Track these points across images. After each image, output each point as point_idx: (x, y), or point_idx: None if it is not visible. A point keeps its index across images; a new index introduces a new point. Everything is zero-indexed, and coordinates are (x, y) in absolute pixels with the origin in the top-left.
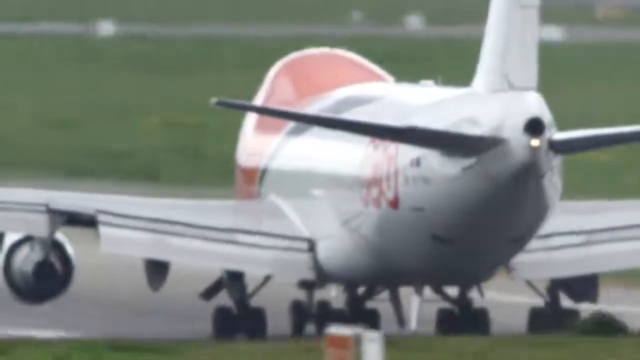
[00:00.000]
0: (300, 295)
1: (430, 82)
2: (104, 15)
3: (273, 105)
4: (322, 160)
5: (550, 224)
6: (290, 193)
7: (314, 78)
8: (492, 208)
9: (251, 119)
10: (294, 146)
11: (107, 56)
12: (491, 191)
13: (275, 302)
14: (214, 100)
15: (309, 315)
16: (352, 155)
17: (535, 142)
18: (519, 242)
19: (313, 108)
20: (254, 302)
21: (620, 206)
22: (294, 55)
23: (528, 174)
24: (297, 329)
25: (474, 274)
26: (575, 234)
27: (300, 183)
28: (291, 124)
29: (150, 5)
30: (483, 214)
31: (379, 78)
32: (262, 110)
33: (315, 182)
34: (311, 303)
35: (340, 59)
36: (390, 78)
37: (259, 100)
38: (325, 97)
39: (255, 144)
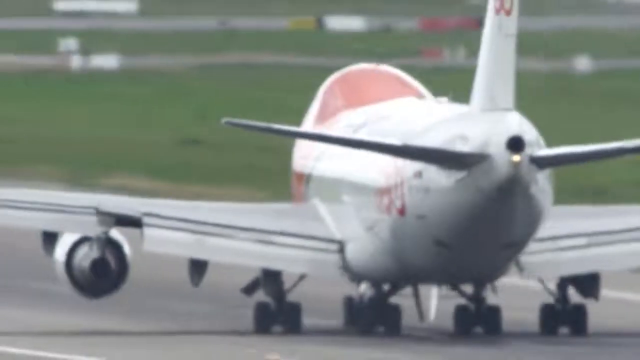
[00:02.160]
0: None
1: (444, 99)
2: (580, 51)
3: (324, 115)
4: (351, 169)
5: (558, 227)
6: (327, 197)
7: (359, 91)
8: (483, 216)
9: (307, 123)
10: (332, 153)
11: (583, 92)
12: (481, 201)
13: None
14: (224, 120)
15: (360, 310)
16: (372, 166)
17: (516, 158)
18: (514, 248)
19: (346, 120)
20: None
21: (621, 211)
22: (346, 70)
23: (512, 186)
24: (349, 322)
25: (477, 275)
26: (580, 236)
27: (334, 189)
28: (336, 131)
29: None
30: (476, 222)
31: (417, 93)
32: (268, 130)
33: (345, 189)
34: (362, 298)
35: (385, 74)
36: (427, 93)
37: (314, 108)
38: (359, 111)
39: (306, 148)
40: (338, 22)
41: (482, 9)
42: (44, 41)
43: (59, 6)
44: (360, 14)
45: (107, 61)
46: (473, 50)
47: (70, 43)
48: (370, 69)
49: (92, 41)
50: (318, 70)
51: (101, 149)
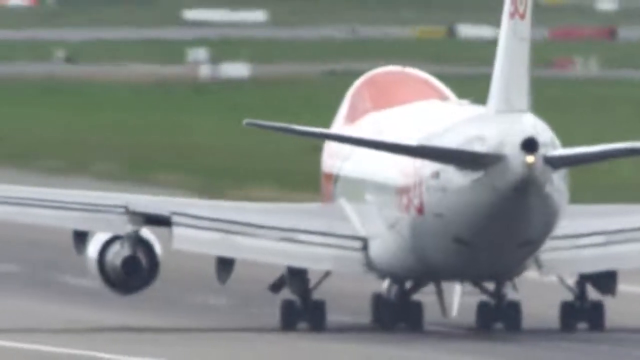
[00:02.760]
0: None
1: (466, 101)
2: None
3: (353, 116)
4: (374, 169)
5: (577, 226)
6: (352, 197)
7: (386, 93)
8: (499, 215)
9: (336, 124)
10: (358, 153)
11: None
12: (497, 200)
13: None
14: (245, 121)
15: (388, 306)
16: (392, 166)
17: (530, 159)
18: (530, 246)
19: (372, 121)
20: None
21: (634, 209)
22: (374, 72)
23: (527, 186)
24: (379, 319)
25: (495, 272)
26: (598, 234)
27: (359, 188)
28: (362, 132)
29: None
30: (492, 220)
31: (441, 95)
32: (288, 130)
33: (369, 188)
34: (390, 295)
35: (411, 76)
36: (452, 95)
37: (343, 109)
38: (385, 112)
39: (334, 148)
40: (469, 31)
41: (613, 16)
42: (174, 51)
43: (188, 16)
44: (490, 23)
45: (237, 70)
46: (606, 61)
47: (199, 52)
48: (398, 71)
49: (221, 50)
50: (446, 78)
51: (230, 158)
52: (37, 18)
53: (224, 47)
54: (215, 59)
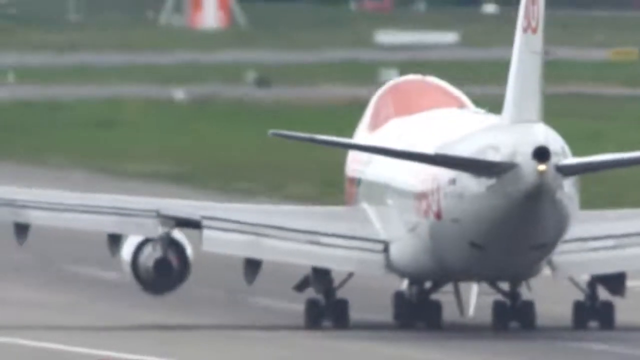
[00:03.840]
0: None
1: (482, 110)
2: None
3: (375, 123)
4: (394, 174)
5: (588, 230)
6: (374, 201)
7: (407, 101)
8: (512, 220)
9: (361, 129)
10: (379, 159)
11: None
12: (510, 206)
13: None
14: (270, 132)
15: (407, 305)
16: (412, 172)
17: (542, 167)
18: (542, 249)
19: (392, 128)
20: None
21: None
22: (395, 80)
23: (539, 193)
24: (399, 316)
25: (510, 274)
26: (608, 237)
27: (380, 193)
28: (384, 138)
29: None
30: (506, 225)
31: (459, 103)
32: (311, 140)
33: (389, 193)
34: (412, 294)
35: (431, 85)
36: (469, 104)
37: (366, 117)
38: (405, 120)
39: (357, 153)
40: None
41: None
42: (366, 73)
43: (381, 38)
44: None
45: None
46: None
47: (391, 74)
48: (418, 79)
49: (412, 72)
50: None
51: None
52: (229, 40)
53: (415, 68)
54: None
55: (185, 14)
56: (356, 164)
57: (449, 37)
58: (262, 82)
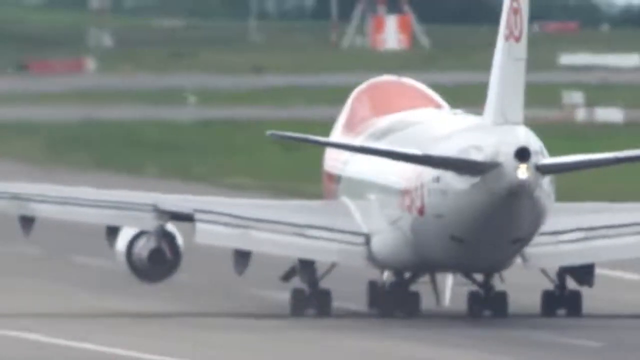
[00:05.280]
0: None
1: (460, 111)
2: None
3: (352, 123)
4: (377, 171)
5: (558, 222)
6: (355, 196)
7: (384, 101)
8: (493, 216)
9: (338, 127)
10: (360, 156)
11: None
12: (492, 203)
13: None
14: (269, 132)
15: (382, 295)
16: (395, 170)
17: (523, 166)
18: (520, 242)
19: (371, 128)
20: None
21: (614, 208)
22: (371, 81)
23: (519, 191)
24: (373, 304)
25: (487, 266)
26: (578, 230)
27: (362, 188)
28: (364, 136)
29: None
30: (487, 221)
31: (435, 104)
32: (306, 140)
33: (371, 189)
34: (384, 283)
35: (407, 85)
36: (445, 104)
37: (342, 117)
38: (383, 120)
39: (336, 150)
40: None
41: None
42: (550, 94)
43: (564, 60)
44: None
45: (611, 115)
46: None
47: (575, 96)
48: (394, 80)
49: (597, 95)
50: None
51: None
52: (412, 61)
53: (601, 91)
54: (590, 103)
55: (367, 36)
56: (335, 161)
57: (634, 59)
58: None
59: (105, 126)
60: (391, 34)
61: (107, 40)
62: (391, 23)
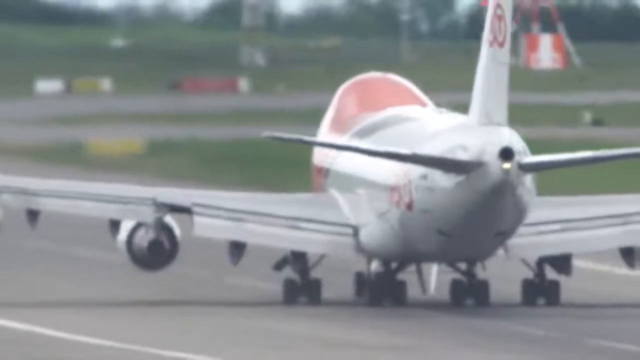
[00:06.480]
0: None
1: (444, 109)
2: None
3: (339, 119)
4: (365, 167)
5: (538, 215)
6: (344, 189)
7: (370, 98)
8: (478, 212)
9: (325, 124)
10: (349, 152)
11: None
12: (477, 200)
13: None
14: (265, 133)
15: (368, 283)
16: (383, 166)
17: (506, 165)
18: (503, 236)
19: (358, 125)
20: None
21: (590, 201)
22: (357, 78)
23: (503, 188)
24: (359, 293)
25: (471, 256)
26: (556, 222)
27: (351, 182)
28: (351, 132)
29: None
30: (472, 216)
31: (421, 102)
32: (300, 141)
33: (360, 183)
34: (370, 274)
35: (393, 82)
36: (430, 102)
37: (329, 113)
38: (373, 116)
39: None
40: None
41: None
42: None
43: None
44: None
45: None
46: None
47: None
48: (380, 77)
49: None
50: None
51: None
52: (566, 81)
53: None
54: None
55: (521, 56)
56: (325, 155)
57: None
58: (597, 122)
59: (256, 145)
60: (546, 52)
61: (259, 58)
62: (545, 42)
